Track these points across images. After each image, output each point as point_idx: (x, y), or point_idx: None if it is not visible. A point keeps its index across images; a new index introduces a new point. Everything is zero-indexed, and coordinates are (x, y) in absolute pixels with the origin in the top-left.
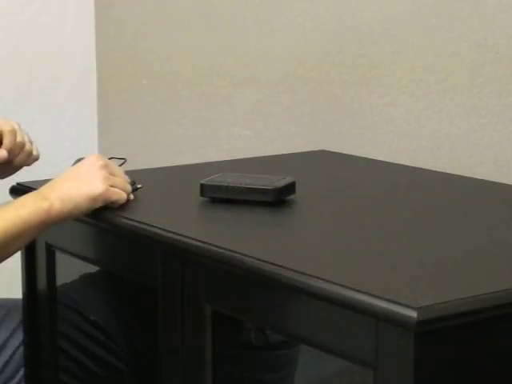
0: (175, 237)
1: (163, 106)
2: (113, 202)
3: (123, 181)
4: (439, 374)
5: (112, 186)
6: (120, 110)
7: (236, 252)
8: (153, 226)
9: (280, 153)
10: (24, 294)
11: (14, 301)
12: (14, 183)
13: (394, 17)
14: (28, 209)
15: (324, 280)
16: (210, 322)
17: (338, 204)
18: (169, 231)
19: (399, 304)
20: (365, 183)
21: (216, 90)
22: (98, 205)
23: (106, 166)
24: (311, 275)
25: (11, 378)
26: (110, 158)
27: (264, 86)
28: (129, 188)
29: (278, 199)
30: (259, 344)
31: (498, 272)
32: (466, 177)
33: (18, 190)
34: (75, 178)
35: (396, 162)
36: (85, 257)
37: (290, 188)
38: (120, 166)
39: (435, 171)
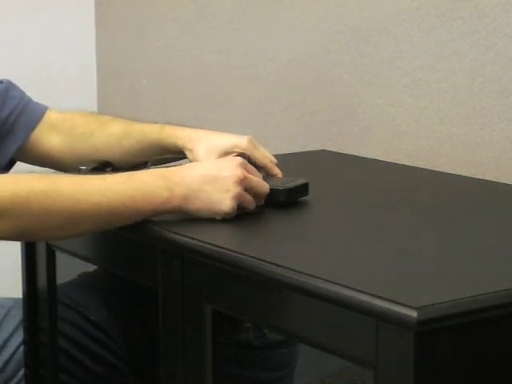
0: (175, 237)
1: (163, 106)
2: None
3: (252, 200)
4: (439, 374)
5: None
6: (120, 110)
7: (236, 252)
8: (153, 225)
9: (280, 153)
10: (24, 294)
11: (14, 301)
12: None
13: (394, 17)
14: (153, 205)
15: (324, 280)
16: (210, 321)
17: (338, 204)
18: (169, 231)
19: (399, 304)
20: (365, 183)
21: (216, 89)
22: None
23: (244, 180)
24: (311, 275)
25: (11, 377)
26: None
27: (264, 86)
28: (259, 201)
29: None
30: (258, 343)
31: (497, 272)
32: (466, 177)
33: None
34: (209, 191)
35: (396, 162)
36: (85, 257)
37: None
38: None
39: (435, 171)
